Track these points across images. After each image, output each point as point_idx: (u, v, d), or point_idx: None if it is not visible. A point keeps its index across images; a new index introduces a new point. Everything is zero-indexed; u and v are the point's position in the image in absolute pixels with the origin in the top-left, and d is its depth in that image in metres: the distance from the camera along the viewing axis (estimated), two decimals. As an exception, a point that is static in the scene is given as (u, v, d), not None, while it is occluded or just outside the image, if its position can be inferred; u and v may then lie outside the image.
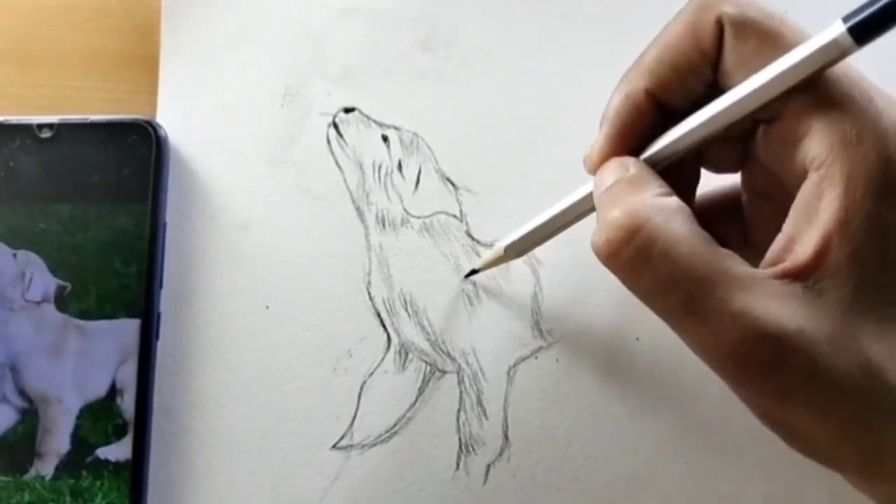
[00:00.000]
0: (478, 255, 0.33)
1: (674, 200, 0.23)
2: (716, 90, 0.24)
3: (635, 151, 0.25)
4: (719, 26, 0.24)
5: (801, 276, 0.22)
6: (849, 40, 0.21)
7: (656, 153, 0.25)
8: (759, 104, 0.23)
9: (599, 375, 0.32)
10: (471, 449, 0.32)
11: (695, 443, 0.32)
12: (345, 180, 0.34)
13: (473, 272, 0.32)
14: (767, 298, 0.21)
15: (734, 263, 0.22)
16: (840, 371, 0.21)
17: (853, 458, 0.22)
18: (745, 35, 0.23)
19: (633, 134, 0.25)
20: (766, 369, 0.21)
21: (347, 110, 0.35)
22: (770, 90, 0.23)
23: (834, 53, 0.22)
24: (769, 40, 0.23)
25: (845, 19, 0.21)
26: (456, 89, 0.35)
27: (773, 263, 0.22)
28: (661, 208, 0.23)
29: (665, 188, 0.24)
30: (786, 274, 0.22)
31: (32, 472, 0.31)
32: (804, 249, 0.22)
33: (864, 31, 0.21)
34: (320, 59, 0.35)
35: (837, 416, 0.21)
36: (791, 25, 0.23)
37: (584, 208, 0.27)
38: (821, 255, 0.21)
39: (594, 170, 0.26)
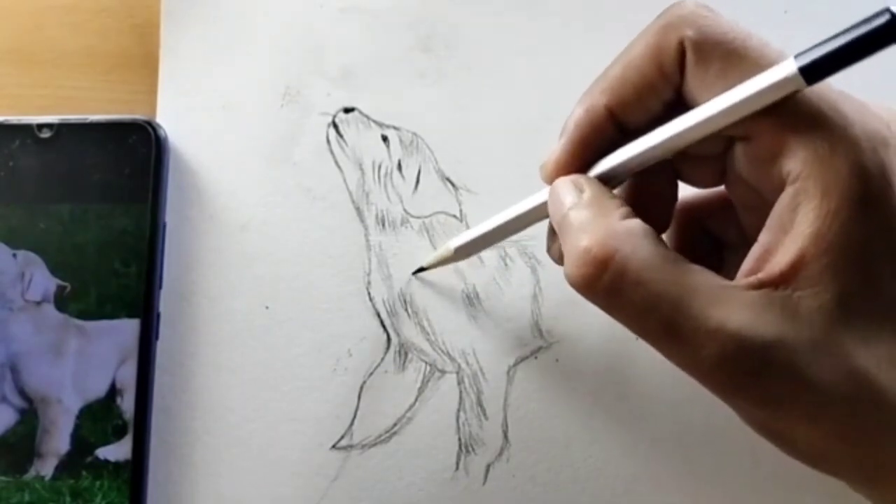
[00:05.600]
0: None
1: (637, 223, 0.23)
2: (678, 110, 0.24)
3: (591, 165, 0.26)
4: (681, 49, 0.24)
5: (775, 285, 0.22)
6: (800, 79, 0.21)
7: (608, 170, 0.25)
8: (709, 132, 0.23)
9: (599, 375, 0.32)
10: (470, 449, 0.32)
11: (694, 443, 0.32)
12: (345, 180, 0.34)
13: (421, 269, 0.33)
14: (743, 310, 0.21)
15: (706, 279, 0.22)
16: (825, 378, 0.21)
17: (849, 464, 0.22)
18: (708, 59, 0.23)
19: (590, 148, 0.25)
20: (749, 379, 0.21)
21: (347, 110, 0.35)
22: (719, 121, 0.23)
23: (786, 90, 0.22)
24: (731, 63, 0.23)
25: (797, 57, 0.21)
26: (456, 89, 0.35)
27: (749, 275, 0.22)
28: (628, 235, 0.23)
29: (625, 208, 0.24)
30: (762, 284, 0.22)
31: (32, 472, 0.31)
32: (779, 261, 0.22)
33: (815, 71, 0.21)
34: (320, 59, 0.35)
35: (827, 422, 0.21)
36: (754, 46, 0.23)
37: (536, 216, 0.27)
38: (797, 266, 0.21)
39: (549, 180, 0.26)
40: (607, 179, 0.25)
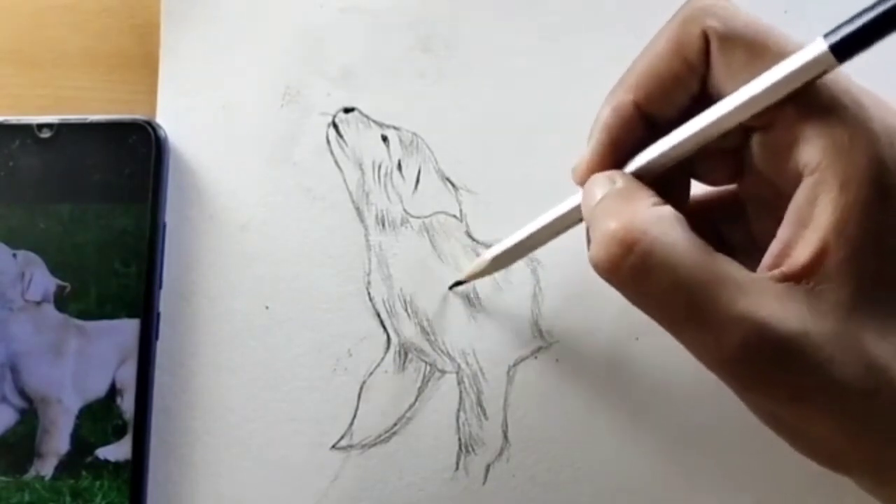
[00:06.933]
0: (477, 255, 0.33)
1: (668, 209, 0.23)
2: (703, 102, 0.24)
3: (623, 164, 0.25)
4: (705, 40, 0.24)
5: (799, 279, 0.22)
6: (830, 57, 0.21)
7: (643, 166, 0.25)
8: (741, 119, 0.23)
9: (599, 375, 0.32)
10: (470, 449, 0.32)
11: (694, 443, 0.32)
12: (344, 180, 0.34)
13: (459, 283, 0.32)
14: (769, 301, 0.21)
15: (733, 268, 0.22)
16: (845, 372, 0.21)
17: (862, 460, 0.22)
18: (732, 48, 0.23)
19: (621, 146, 0.25)
20: (771, 371, 0.21)
21: (347, 110, 0.35)
22: (752, 107, 0.23)
23: (816, 70, 0.22)
24: (756, 53, 0.23)
25: (826, 36, 0.21)
26: (456, 89, 0.35)
27: (770, 269, 0.22)
28: (657, 218, 0.23)
29: (656, 198, 0.24)
30: (785, 277, 0.22)
31: (32, 472, 0.31)
32: (801, 254, 0.22)
33: (845, 48, 0.21)
34: (320, 59, 0.35)
35: (844, 417, 0.21)
36: (777, 36, 0.23)
37: (570, 220, 0.27)
38: (819, 259, 0.21)
39: (582, 181, 0.26)
40: (640, 176, 0.25)
